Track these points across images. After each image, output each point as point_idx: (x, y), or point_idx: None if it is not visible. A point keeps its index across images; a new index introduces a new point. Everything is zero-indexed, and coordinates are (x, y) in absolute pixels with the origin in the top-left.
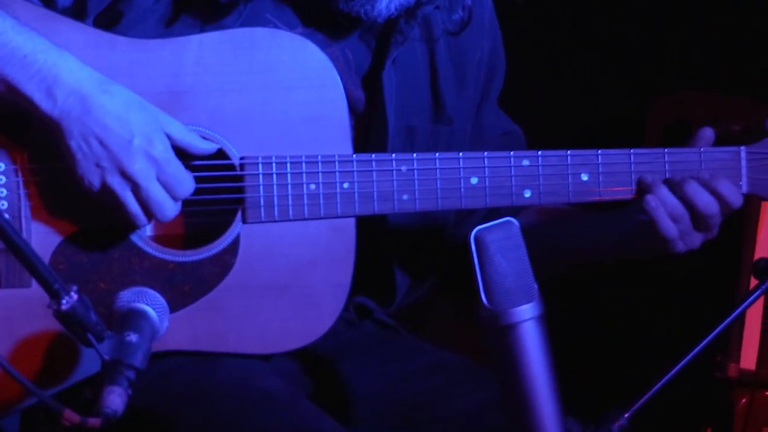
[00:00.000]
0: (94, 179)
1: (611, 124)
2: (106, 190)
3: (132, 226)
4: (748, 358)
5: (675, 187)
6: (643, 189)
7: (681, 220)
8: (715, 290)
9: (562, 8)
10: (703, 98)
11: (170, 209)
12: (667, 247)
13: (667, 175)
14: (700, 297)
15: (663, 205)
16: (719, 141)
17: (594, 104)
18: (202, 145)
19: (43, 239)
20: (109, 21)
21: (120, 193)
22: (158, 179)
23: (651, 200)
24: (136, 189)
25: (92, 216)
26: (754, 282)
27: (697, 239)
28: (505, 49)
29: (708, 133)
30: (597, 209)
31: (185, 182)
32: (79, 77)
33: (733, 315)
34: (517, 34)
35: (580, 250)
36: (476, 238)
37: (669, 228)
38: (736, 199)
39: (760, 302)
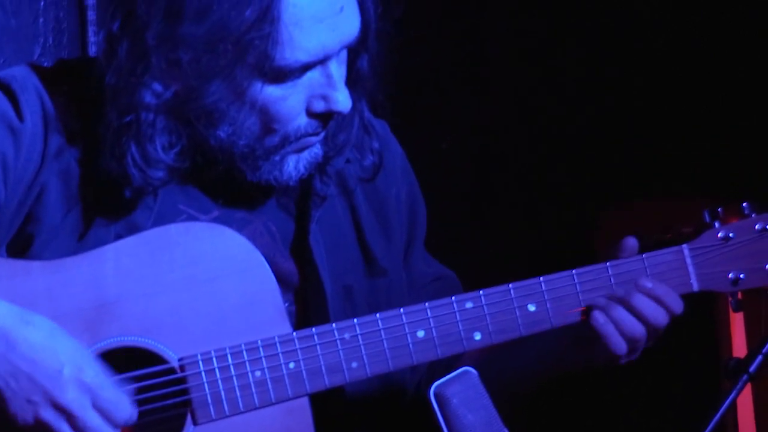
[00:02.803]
0: (26, 416)
1: (558, 244)
2: (41, 425)
3: None
4: None
5: (624, 303)
6: (592, 308)
7: (640, 338)
8: (702, 394)
9: (506, 121)
10: (652, 206)
11: None
12: (615, 361)
13: (614, 289)
14: (689, 403)
15: (616, 323)
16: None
17: (540, 228)
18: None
19: None
20: (22, 246)
21: (55, 427)
22: (94, 406)
23: (599, 317)
24: (71, 420)
25: None
26: None
27: (639, 350)
28: (435, 183)
29: (631, 242)
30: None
31: (122, 406)
32: None
33: (712, 423)
34: (450, 159)
35: (520, 377)
36: (436, 395)
37: (619, 344)
38: (675, 303)
39: (749, 399)
